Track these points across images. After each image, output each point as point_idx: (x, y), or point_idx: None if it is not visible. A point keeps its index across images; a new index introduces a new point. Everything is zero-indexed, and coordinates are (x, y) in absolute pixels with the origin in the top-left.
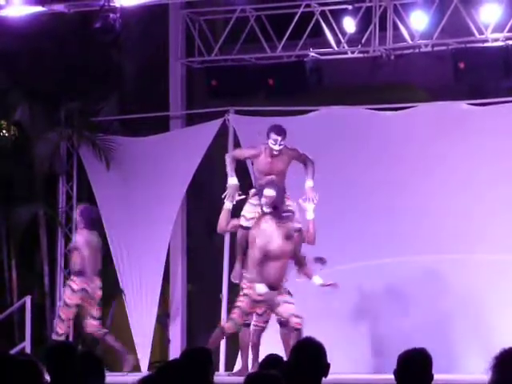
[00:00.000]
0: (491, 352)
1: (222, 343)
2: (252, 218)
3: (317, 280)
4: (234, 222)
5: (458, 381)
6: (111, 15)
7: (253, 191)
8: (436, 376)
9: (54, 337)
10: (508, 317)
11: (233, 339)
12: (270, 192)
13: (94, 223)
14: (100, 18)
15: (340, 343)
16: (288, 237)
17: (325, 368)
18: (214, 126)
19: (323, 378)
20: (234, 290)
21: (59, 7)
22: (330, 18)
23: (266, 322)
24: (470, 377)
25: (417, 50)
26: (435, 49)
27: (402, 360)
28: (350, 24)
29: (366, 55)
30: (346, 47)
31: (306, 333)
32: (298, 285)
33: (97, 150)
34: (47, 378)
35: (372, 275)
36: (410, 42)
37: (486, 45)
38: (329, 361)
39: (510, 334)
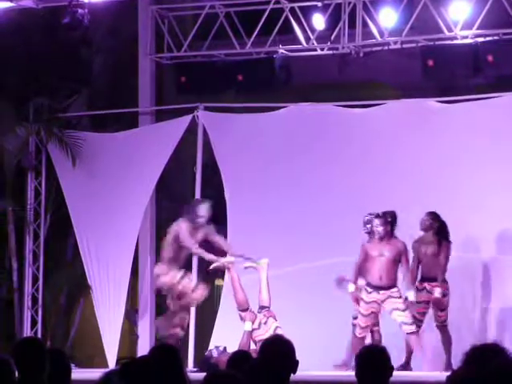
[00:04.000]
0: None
1: (191, 339)
2: None
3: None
4: None
5: (422, 377)
6: (79, 11)
7: None
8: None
9: None
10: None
11: (202, 335)
12: None
13: None
14: (68, 13)
15: (313, 340)
16: None
17: (293, 365)
18: (183, 122)
19: (292, 375)
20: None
21: (28, 2)
22: (300, 15)
23: None
24: (432, 374)
25: (386, 47)
26: (404, 46)
27: (360, 359)
28: (319, 21)
29: (335, 52)
30: (316, 44)
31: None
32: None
33: (63, 147)
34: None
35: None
36: (379, 39)
37: (454, 42)
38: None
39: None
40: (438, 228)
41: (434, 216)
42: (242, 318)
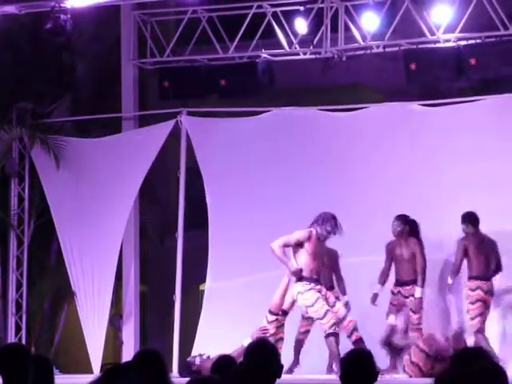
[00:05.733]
0: None
1: (176, 344)
2: None
3: None
4: None
5: (408, 382)
6: (62, 16)
7: None
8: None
9: None
10: None
11: (186, 341)
12: None
13: None
14: (51, 19)
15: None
16: None
17: (278, 369)
18: (166, 127)
19: (277, 379)
20: (187, 290)
21: (10, 8)
22: (282, 19)
23: None
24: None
25: (368, 51)
26: (387, 50)
27: (345, 363)
28: (301, 25)
29: (317, 56)
30: (298, 48)
31: None
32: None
33: (46, 148)
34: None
35: None
36: (362, 43)
37: (437, 45)
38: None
39: None
40: (408, 231)
41: (402, 220)
42: (267, 321)
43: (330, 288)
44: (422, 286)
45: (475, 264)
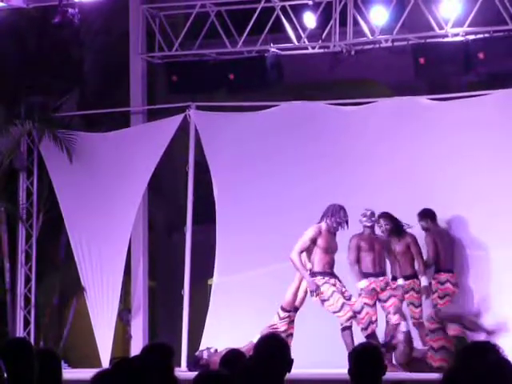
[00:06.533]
0: None
1: (184, 339)
2: None
3: None
4: None
5: (412, 376)
6: (70, 10)
7: None
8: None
9: None
10: None
11: (195, 335)
12: None
13: None
14: (59, 12)
15: (311, 337)
16: None
17: (288, 364)
18: (174, 121)
19: (287, 374)
20: (195, 285)
21: (18, 2)
22: (291, 14)
23: None
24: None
25: (377, 46)
26: (395, 44)
27: (353, 357)
28: (310, 19)
29: (326, 50)
30: (307, 42)
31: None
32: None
33: (58, 142)
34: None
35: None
36: (371, 37)
37: (446, 40)
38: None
39: None
40: (391, 229)
41: (385, 219)
42: (279, 317)
43: (381, 274)
44: (425, 273)
45: (443, 257)
